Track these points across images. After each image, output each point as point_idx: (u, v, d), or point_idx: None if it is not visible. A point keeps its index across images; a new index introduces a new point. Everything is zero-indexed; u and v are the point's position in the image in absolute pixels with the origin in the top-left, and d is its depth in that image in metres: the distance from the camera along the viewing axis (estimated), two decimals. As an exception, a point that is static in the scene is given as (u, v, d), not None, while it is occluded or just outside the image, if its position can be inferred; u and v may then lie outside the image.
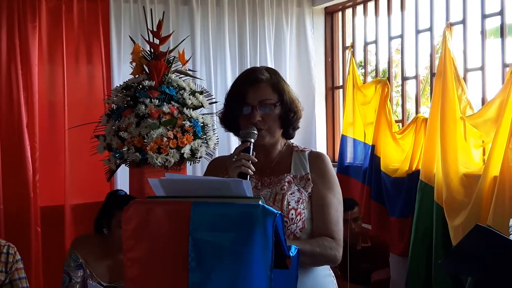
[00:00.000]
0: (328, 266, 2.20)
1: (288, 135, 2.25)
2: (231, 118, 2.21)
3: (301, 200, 2.11)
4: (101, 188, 4.47)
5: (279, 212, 1.63)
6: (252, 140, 2.07)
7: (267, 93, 2.14)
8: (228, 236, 1.61)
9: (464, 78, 4.35)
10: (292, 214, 2.07)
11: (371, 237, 4.53)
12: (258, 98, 2.13)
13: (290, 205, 2.08)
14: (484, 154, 4.11)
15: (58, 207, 4.74)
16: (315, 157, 2.21)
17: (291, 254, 1.73)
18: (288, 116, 2.17)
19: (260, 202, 1.64)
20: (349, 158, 5.38)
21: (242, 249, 1.60)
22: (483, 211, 3.86)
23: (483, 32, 4.31)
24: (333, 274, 2.23)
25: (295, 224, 2.07)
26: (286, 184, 2.13)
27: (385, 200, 4.83)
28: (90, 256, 3.37)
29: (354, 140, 5.31)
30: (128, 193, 3.78)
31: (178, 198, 1.72)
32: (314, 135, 5.60)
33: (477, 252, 1.46)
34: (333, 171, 2.22)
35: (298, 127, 2.27)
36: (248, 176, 1.97)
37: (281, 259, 1.68)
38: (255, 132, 2.09)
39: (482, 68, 4.33)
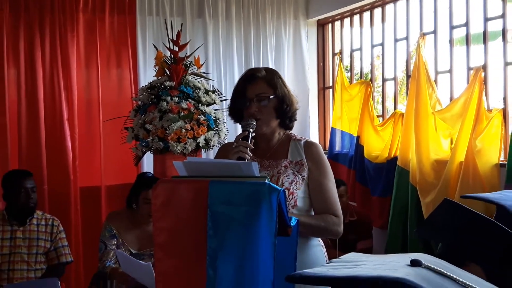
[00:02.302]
0: (318, 238, 2.20)
1: (285, 125, 2.22)
2: (236, 111, 2.21)
3: (294, 182, 2.11)
4: (130, 172, 4.51)
5: (283, 188, 1.65)
6: (251, 130, 2.06)
7: (263, 88, 2.13)
8: (239, 209, 1.62)
9: (435, 80, 4.35)
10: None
11: (357, 212, 4.55)
12: (255, 92, 2.12)
13: (284, 185, 2.08)
14: (451, 143, 4.13)
15: (95, 188, 4.76)
16: (310, 146, 2.19)
17: (292, 224, 1.75)
18: (282, 107, 2.15)
19: (266, 181, 1.65)
20: (337, 147, 5.38)
21: (251, 219, 1.61)
22: (450, 190, 3.88)
23: (451, 41, 4.31)
24: (322, 244, 2.22)
25: (288, 202, 2.07)
26: (283, 168, 2.13)
27: (368, 182, 4.84)
28: (121, 227, 3.39)
29: (342, 132, 5.31)
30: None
31: (198, 178, 1.73)
32: (308, 127, 5.61)
33: (445, 221, 1.49)
34: (325, 157, 2.21)
35: (296, 119, 2.24)
36: (246, 160, 1.96)
37: (284, 228, 1.69)
38: (254, 123, 2.08)
39: (450, 71, 4.33)
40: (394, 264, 1.00)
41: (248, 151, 1.99)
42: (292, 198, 2.10)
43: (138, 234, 3.41)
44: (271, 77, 2.17)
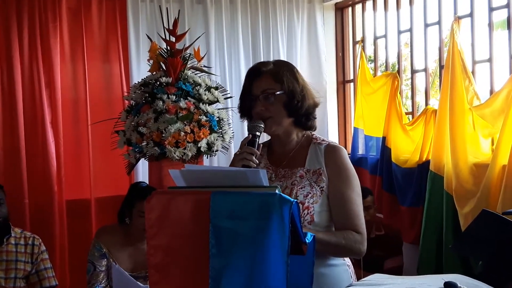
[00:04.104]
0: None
1: (302, 124, 2.20)
2: (245, 110, 2.22)
3: (310, 195, 2.10)
4: (122, 182, 4.52)
5: (295, 200, 1.65)
6: (258, 133, 2.06)
7: (268, 83, 2.13)
8: (246, 224, 1.61)
9: (473, 70, 4.33)
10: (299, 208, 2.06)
11: (385, 226, 4.53)
12: (260, 89, 2.13)
13: (298, 199, 2.07)
14: (492, 144, 4.10)
15: (83, 201, 4.78)
16: (331, 150, 2.16)
17: (307, 241, 1.74)
18: (292, 103, 2.14)
19: (276, 191, 1.64)
20: (360, 150, 5.38)
21: (260, 235, 1.60)
22: (492, 199, 3.86)
23: (490, 25, 4.30)
24: (348, 263, 2.21)
25: (303, 218, 2.07)
26: (298, 178, 2.12)
27: (396, 190, 4.83)
28: (113, 245, 3.39)
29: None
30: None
31: (198, 188, 1.72)
32: (326, 127, 5.61)
33: (485, 235, 1.48)
34: (349, 164, 2.17)
35: (315, 117, 2.22)
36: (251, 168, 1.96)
37: (298, 246, 1.68)
38: (261, 125, 2.09)
39: (490, 60, 4.32)
40: (424, 288, 1.00)
41: (254, 158, 2.00)
42: (308, 213, 2.09)
43: (132, 252, 3.42)
44: (277, 70, 2.17)
